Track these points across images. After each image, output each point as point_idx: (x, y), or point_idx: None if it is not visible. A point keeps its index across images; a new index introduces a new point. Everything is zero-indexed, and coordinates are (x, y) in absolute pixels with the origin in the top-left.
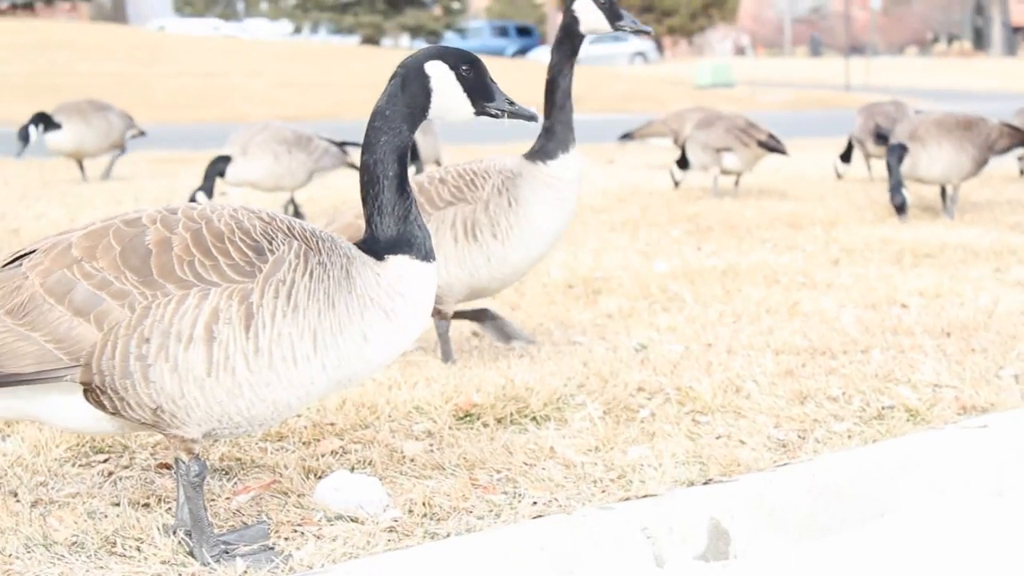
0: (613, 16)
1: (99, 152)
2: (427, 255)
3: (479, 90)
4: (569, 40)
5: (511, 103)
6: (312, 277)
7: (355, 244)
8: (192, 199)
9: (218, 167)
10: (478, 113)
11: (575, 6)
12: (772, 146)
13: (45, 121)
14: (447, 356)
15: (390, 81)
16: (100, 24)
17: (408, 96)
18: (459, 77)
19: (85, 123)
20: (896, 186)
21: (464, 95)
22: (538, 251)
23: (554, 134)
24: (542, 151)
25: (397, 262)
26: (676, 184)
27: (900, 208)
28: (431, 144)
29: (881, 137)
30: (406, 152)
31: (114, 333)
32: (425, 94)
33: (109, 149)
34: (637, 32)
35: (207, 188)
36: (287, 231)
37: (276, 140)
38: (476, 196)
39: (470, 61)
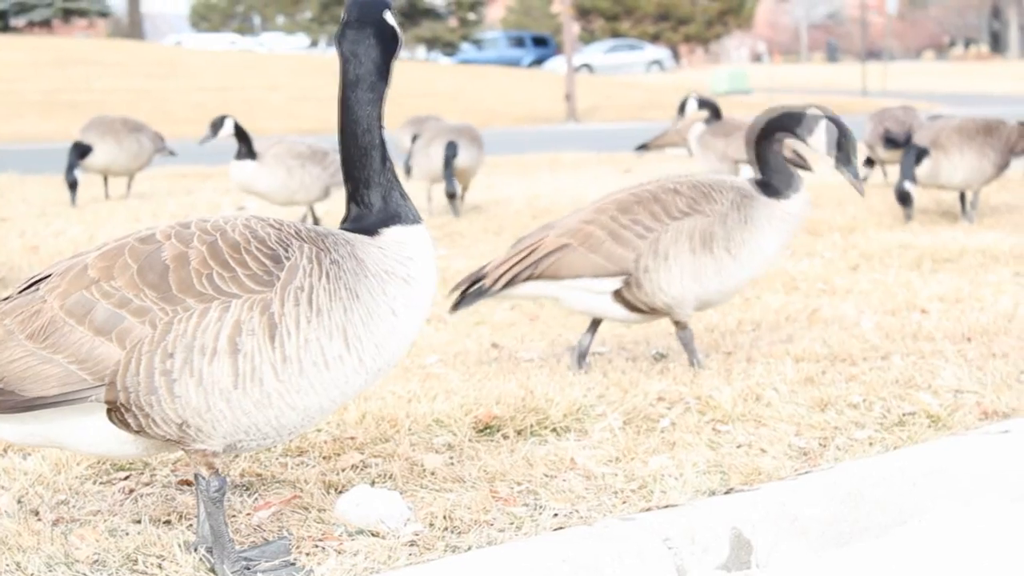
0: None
1: (126, 173)
2: (415, 218)
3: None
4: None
5: None
6: (329, 277)
7: (342, 227)
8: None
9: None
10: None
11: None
12: (797, 163)
13: (80, 152)
14: (694, 360)
15: (352, 44)
16: (117, 40)
17: (381, 51)
18: (393, 18)
19: (118, 144)
20: (908, 177)
21: (401, 34)
22: (759, 272)
23: (783, 172)
24: (774, 187)
25: (392, 232)
26: None
27: (904, 199)
28: (474, 157)
29: (890, 141)
30: (382, 113)
31: (137, 350)
32: (395, 43)
33: (137, 170)
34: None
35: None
36: (296, 235)
37: (290, 154)
38: (713, 209)
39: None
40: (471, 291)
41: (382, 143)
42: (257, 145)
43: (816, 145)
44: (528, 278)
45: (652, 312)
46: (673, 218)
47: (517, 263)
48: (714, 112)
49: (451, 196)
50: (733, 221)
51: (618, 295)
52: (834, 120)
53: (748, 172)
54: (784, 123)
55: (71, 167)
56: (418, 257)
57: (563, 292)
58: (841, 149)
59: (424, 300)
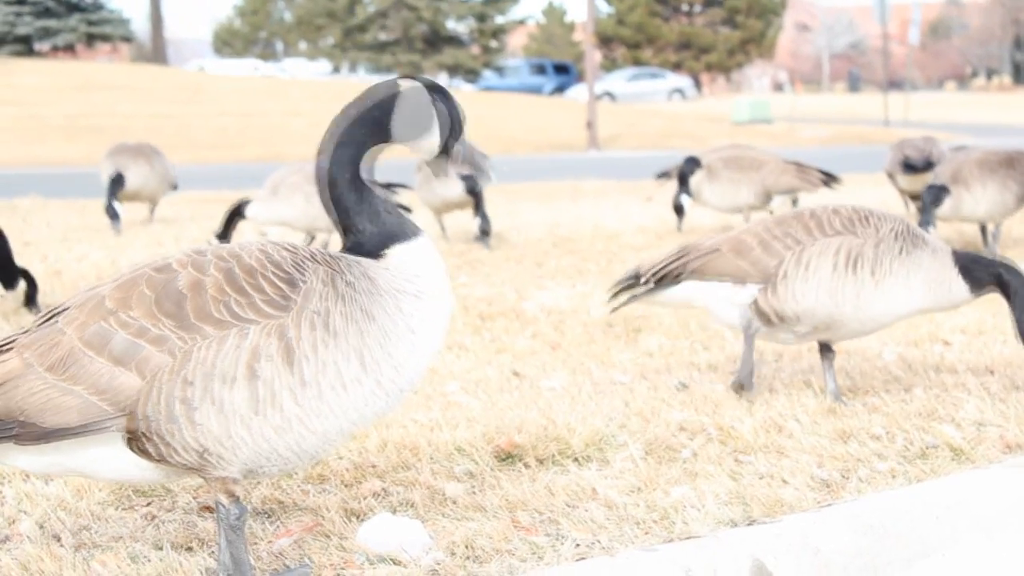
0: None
1: (152, 197)
2: (413, 232)
3: None
4: None
5: None
6: (345, 300)
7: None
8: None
9: (237, 212)
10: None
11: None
12: (830, 180)
13: (121, 184)
14: (745, 372)
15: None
16: (140, 65)
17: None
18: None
19: (150, 167)
20: (925, 224)
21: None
22: (898, 309)
23: (984, 273)
24: (965, 267)
25: (394, 252)
26: None
27: None
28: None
29: (908, 166)
30: (359, 157)
31: (157, 379)
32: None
33: (162, 195)
34: None
35: (224, 235)
36: (311, 258)
37: (309, 181)
38: (866, 232)
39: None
40: (625, 290)
41: (353, 181)
42: (280, 172)
43: None
44: (678, 276)
45: (781, 322)
46: (825, 234)
47: (671, 261)
48: (694, 163)
49: (486, 233)
50: (887, 247)
51: (755, 305)
52: None
53: (780, 201)
54: (1015, 300)
55: (110, 199)
56: (424, 272)
57: (707, 299)
58: None
59: (440, 313)
